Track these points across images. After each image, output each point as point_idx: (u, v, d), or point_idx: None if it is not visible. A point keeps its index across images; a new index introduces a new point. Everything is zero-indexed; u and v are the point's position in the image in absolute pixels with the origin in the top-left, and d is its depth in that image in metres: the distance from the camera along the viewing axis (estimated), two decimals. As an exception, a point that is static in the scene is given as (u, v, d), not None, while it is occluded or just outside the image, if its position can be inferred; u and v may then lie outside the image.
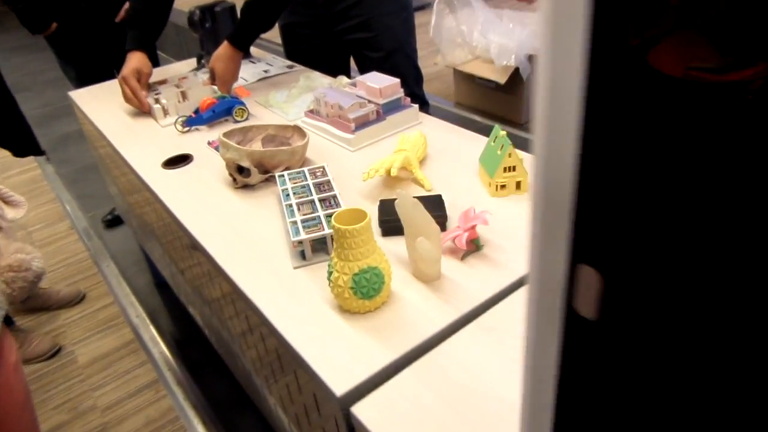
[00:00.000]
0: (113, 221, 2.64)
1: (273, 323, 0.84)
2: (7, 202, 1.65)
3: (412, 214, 0.82)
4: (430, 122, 1.38)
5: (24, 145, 1.89)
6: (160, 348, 1.94)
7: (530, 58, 2.44)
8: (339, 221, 0.78)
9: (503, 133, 1.04)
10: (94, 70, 2.27)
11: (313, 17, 1.81)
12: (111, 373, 1.88)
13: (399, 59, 1.79)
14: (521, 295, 0.83)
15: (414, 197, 0.84)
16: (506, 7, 2.93)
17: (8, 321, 1.94)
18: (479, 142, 1.26)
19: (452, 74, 3.00)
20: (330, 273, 0.81)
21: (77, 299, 2.22)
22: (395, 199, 0.82)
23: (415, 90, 1.84)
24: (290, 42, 1.97)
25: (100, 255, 2.48)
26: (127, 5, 2.18)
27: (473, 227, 0.89)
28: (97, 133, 1.62)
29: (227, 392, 1.71)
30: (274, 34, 1.89)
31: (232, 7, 1.91)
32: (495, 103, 2.82)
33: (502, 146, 1.03)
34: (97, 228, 2.68)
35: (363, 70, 1.85)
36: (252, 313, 0.92)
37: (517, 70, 2.50)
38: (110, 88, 1.87)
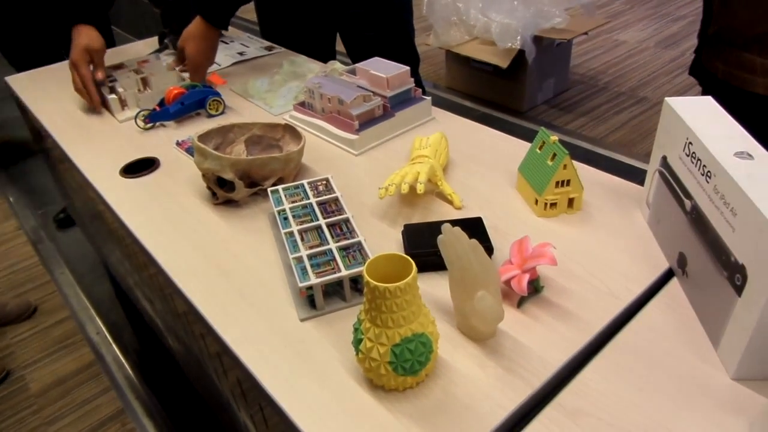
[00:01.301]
0: (66, 220, 2.35)
1: (279, 403, 0.63)
2: None
3: (468, 258, 0.61)
4: (444, 118, 1.17)
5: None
6: (126, 371, 1.71)
7: (536, 40, 2.23)
8: (373, 274, 0.57)
9: (554, 138, 0.84)
10: (37, 49, 1.96)
11: None
12: (69, 402, 1.64)
13: (396, 39, 1.57)
14: (608, 361, 0.64)
15: (447, 222, 0.63)
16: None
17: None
18: (508, 142, 1.06)
19: (443, 56, 2.77)
20: (359, 341, 0.60)
21: (27, 313, 1.95)
22: (428, 224, 0.61)
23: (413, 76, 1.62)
24: (266, 18, 1.71)
25: (53, 260, 2.20)
26: None
27: (535, 267, 0.69)
28: (41, 129, 1.35)
29: (206, 426, 1.50)
30: (247, 9, 1.64)
31: (199, -22, 1.64)
32: (493, 88, 2.61)
33: (554, 155, 0.83)
34: (48, 228, 2.39)
35: (352, 53, 1.62)
36: (249, 384, 0.70)
37: (520, 54, 2.29)
38: (56, 73, 1.59)
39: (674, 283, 0.73)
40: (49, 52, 1.97)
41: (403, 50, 1.60)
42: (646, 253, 0.78)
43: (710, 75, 1.07)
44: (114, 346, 1.80)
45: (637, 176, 0.91)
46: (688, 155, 0.69)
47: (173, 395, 1.61)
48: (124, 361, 1.74)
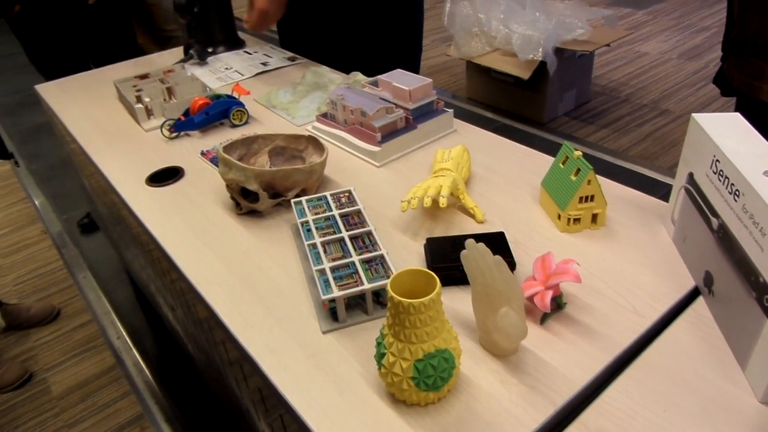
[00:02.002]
0: (89, 225, 2.39)
1: (300, 413, 0.63)
2: None
3: (492, 274, 0.61)
4: (466, 130, 1.17)
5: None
6: (145, 376, 1.73)
7: (557, 52, 2.22)
8: (397, 289, 0.58)
9: (578, 153, 0.83)
10: (65, 58, 2.01)
11: None
12: (89, 405, 1.66)
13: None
14: (632, 380, 0.63)
15: (468, 236, 0.63)
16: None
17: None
18: (531, 156, 1.06)
19: (463, 66, 2.77)
20: (381, 355, 0.60)
21: (51, 317, 1.98)
22: (451, 238, 0.61)
23: None
24: (286, 29, 1.72)
25: (76, 264, 2.24)
26: None
27: (558, 284, 0.69)
28: (68, 135, 1.38)
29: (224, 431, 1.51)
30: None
31: (225, -10, 1.67)
32: (513, 99, 2.60)
33: (578, 171, 0.83)
34: (72, 233, 2.43)
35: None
36: (269, 392, 0.71)
37: (541, 65, 2.28)
38: (83, 81, 1.63)
39: (700, 302, 0.72)
40: (76, 61, 2.02)
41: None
42: (671, 270, 0.77)
43: (727, 83, 1.07)
44: (134, 350, 1.82)
45: (660, 190, 0.90)
46: (715, 173, 0.68)
47: (192, 401, 1.62)
48: (144, 365, 1.76)
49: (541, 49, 2.17)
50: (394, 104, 1.10)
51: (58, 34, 1.97)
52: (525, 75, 2.30)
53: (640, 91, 3.13)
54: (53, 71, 1.91)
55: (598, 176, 0.86)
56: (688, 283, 0.74)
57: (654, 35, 3.91)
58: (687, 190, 0.77)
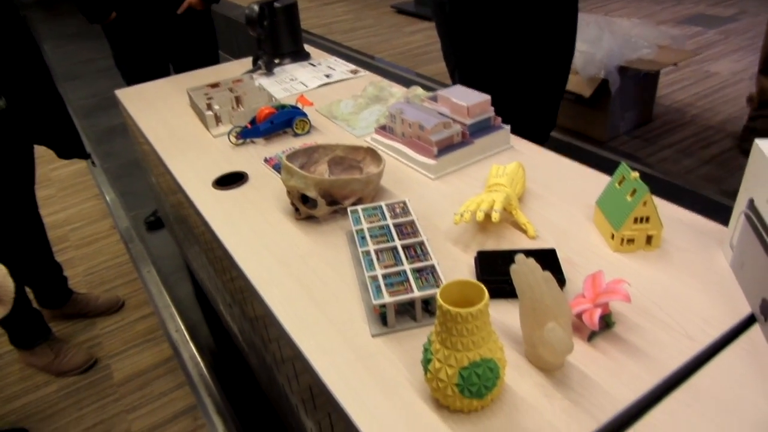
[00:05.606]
0: (155, 223, 2.52)
1: (348, 412, 0.66)
2: None
3: (540, 290, 0.62)
4: (523, 147, 1.18)
5: (69, 146, 1.77)
6: (200, 369, 1.80)
7: (621, 70, 2.19)
8: (447, 298, 0.60)
9: (635, 174, 0.84)
10: (149, 64, 2.15)
11: None
12: (147, 393, 1.75)
13: None
14: (679, 403, 0.63)
15: (519, 251, 0.65)
16: (591, 10, 2.65)
17: (46, 333, 1.83)
18: (587, 175, 1.06)
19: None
20: (428, 360, 0.62)
21: (116, 307, 2.10)
22: (501, 252, 0.63)
23: None
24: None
25: (141, 259, 2.36)
26: None
27: (607, 303, 0.70)
28: (142, 138, 1.48)
29: (272, 427, 1.56)
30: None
31: (293, 5, 1.74)
32: (574, 117, 2.58)
33: (634, 191, 0.83)
34: (139, 229, 2.57)
35: None
36: (318, 390, 0.74)
37: (603, 82, 2.26)
38: (160, 88, 1.73)
39: (756, 330, 0.71)
40: (158, 67, 2.16)
41: None
42: (726, 296, 0.76)
43: None
44: (191, 344, 1.90)
45: (723, 214, 0.88)
46: (776, 200, 0.67)
47: (243, 395, 1.68)
48: (199, 359, 1.83)
49: (603, 68, 2.15)
50: (452, 119, 1.13)
51: (145, 40, 2.11)
52: (586, 93, 2.28)
53: (708, 112, 3.02)
54: (136, 76, 2.03)
55: (655, 197, 0.85)
56: (744, 310, 0.73)
57: (725, 55, 3.77)
58: (747, 216, 0.76)
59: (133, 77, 2.02)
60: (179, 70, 2.09)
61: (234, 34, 4.22)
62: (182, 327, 1.97)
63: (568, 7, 1.59)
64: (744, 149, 2.50)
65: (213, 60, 2.19)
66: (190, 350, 1.88)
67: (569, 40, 1.65)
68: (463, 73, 1.63)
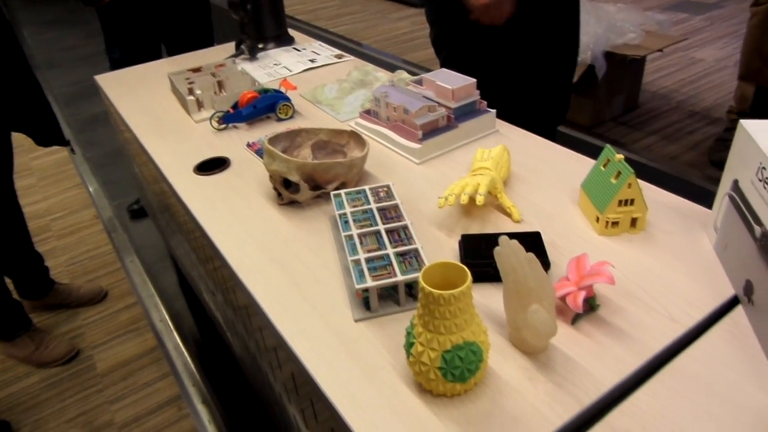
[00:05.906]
0: (139, 211, 2.49)
1: (331, 398, 0.65)
2: None
3: (524, 271, 0.62)
4: (508, 131, 1.17)
5: (47, 133, 1.72)
6: (184, 359, 1.78)
7: (607, 56, 2.18)
8: (429, 280, 0.59)
9: (620, 156, 0.83)
10: (141, 46, 2.11)
11: None
12: (131, 384, 1.73)
13: None
14: (662, 385, 0.62)
15: (505, 234, 0.64)
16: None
17: (26, 323, 1.80)
18: (572, 158, 1.05)
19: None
20: (410, 344, 0.61)
21: (98, 297, 2.07)
22: (485, 236, 0.62)
23: None
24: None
25: (124, 249, 2.33)
26: None
27: (591, 285, 0.69)
28: (123, 125, 1.45)
29: (257, 416, 1.55)
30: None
31: (276, -12, 1.71)
32: (559, 102, 2.58)
33: (618, 174, 0.82)
34: (122, 218, 2.53)
35: None
36: (301, 377, 0.73)
37: (590, 68, 2.25)
38: (140, 73, 1.70)
39: (739, 311, 0.71)
40: (150, 50, 2.13)
41: None
42: (710, 278, 0.76)
43: None
44: (175, 333, 1.88)
45: (707, 199, 0.88)
46: (761, 180, 0.67)
47: (227, 384, 1.67)
48: (183, 348, 1.82)
49: (589, 53, 2.14)
50: (437, 103, 1.12)
51: (140, 21, 2.07)
52: (573, 78, 2.28)
53: (693, 98, 3.04)
54: (128, 59, 1.99)
55: (640, 181, 0.85)
56: (727, 292, 0.73)
57: (710, 42, 3.79)
58: (731, 198, 0.76)
59: (125, 61, 1.98)
60: (173, 52, 2.06)
61: (218, 20, 4.15)
62: (166, 317, 1.95)
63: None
64: (714, 160, 2.38)
65: (207, 42, 2.17)
66: (175, 340, 1.86)
67: (573, 23, 1.60)
68: (456, 63, 1.60)
